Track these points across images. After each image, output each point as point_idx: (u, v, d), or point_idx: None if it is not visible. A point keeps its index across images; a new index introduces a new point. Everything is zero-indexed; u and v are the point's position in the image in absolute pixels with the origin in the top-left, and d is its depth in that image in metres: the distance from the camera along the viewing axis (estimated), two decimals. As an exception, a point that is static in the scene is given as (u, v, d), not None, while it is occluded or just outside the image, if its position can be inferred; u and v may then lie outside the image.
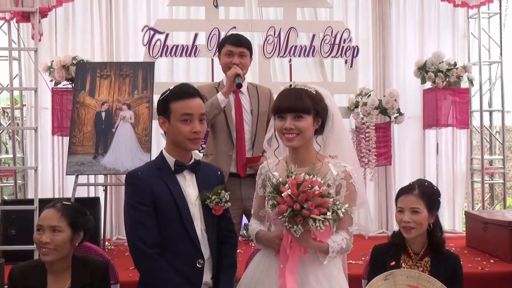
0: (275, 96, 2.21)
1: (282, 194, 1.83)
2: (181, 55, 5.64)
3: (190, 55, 5.63)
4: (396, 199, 2.54)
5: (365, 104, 5.72)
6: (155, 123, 4.78)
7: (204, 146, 4.95)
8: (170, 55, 5.65)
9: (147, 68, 4.97)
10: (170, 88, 2.17)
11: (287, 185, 1.84)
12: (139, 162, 4.28)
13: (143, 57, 5.58)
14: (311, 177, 1.85)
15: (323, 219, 1.80)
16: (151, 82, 4.90)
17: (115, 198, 5.93)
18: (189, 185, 2.16)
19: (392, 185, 6.00)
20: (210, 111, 3.03)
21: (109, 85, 4.91)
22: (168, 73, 6.09)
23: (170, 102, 2.13)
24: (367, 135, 5.68)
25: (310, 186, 1.82)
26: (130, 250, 2.11)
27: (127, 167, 4.56)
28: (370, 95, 5.79)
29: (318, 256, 2.03)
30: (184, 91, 2.15)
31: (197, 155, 4.91)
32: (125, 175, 2.18)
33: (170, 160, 2.17)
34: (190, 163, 2.18)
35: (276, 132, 2.15)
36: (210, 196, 2.17)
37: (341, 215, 1.84)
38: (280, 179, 1.87)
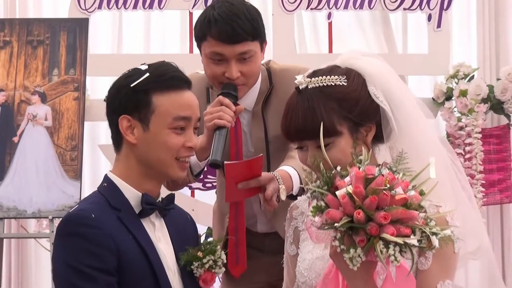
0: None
1: (337, 192, 1.77)
2: (135, 7, 5.11)
3: (151, 6, 5.13)
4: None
5: (464, 93, 5.22)
6: (90, 126, 4.86)
7: (209, 181, 4.91)
8: (116, 7, 5.11)
9: (76, 30, 4.71)
10: (142, 67, 2.18)
11: (348, 177, 1.80)
12: (62, 197, 4.32)
13: (68, 11, 5.09)
14: (392, 171, 1.81)
15: (403, 244, 1.72)
16: (82, 55, 4.63)
17: (15, 259, 5.23)
18: (160, 239, 2.17)
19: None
20: None
21: (8, 60, 4.63)
22: (113, 39, 5.54)
23: (152, 93, 2.13)
24: (467, 148, 5.25)
25: (388, 185, 1.76)
26: None
27: (39, 206, 4.34)
28: (473, 77, 5.34)
29: None
30: (176, 76, 2.17)
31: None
32: (43, 219, 2.51)
33: (132, 194, 2.15)
34: (159, 200, 2.20)
35: None
36: (201, 256, 2.17)
37: (436, 244, 1.76)
38: (338, 168, 1.85)
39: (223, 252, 2.24)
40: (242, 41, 2.81)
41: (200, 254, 2.18)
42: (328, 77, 2.05)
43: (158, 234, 2.18)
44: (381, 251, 1.72)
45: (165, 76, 2.15)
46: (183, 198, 4.66)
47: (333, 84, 2.04)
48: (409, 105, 2.15)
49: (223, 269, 2.25)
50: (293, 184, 2.66)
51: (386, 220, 1.72)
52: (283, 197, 2.56)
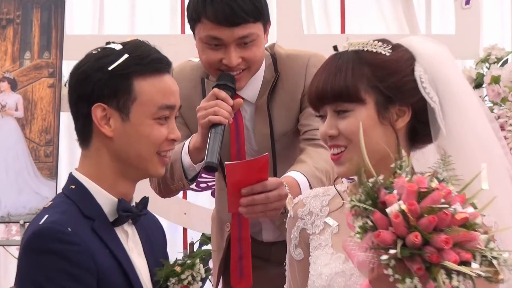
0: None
1: (388, 210, 1.64)
2: (117, -20, 5.33)
3: (135, -21, 5.46)
4: None
5: (496, 80, 4.94)
6: (67, 118, 4.69)
7: (203, 180, 4.91)
8: (96, -19, 5.38)
9: (51, 8, 4.69)
10: (116, 46, 2.13)
11: (395, 191, 1.68)
12: (35, 200, 4.32)
13: (43, -14, 5.09)
14: (439, 181, 1.71)
15: (470, 273, 1.63)
16: (58, 36, 4.61)
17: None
18: (132, 249, 2.16)
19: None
20: (170, 176, 2.95)
21: (-27, 42, 4.75)
22: (93, 18, 5.48)
23: (134, 78, 2.09)
24: (501, 142, 4.48)
25: (444, 201, 1.67)
26: None
27: (9, 210, 4.36)
28: (506, 61, 5.09)
29: None
30: (158, 58, 2.14)
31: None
32: (12, 224, 2.76)
33: (106, 199, 2.12)
34: (134, 204, 2.23)
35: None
36: (179, 271, 2.27)
37: (503, 277, 1.69)
38: (381, 178, 1.72)
39: (202, 265, 2.31)
40: (242, 23, 2.75)
41: (178, 268, 2.20)
42: (372, 41, 2.00)
43: (131, 244, 2.15)
44: (444, 282, 1.62)
45: (147, 59, 2.09)
46: (173, 200, 4.42)
47: (374, 50, 1.99)
48: (466, 101, 2.04)
49: (201, 283, 2.31)
50: (301, 193, 2.62)
51: (447, 245, 1.63)
52: (289, 207, 2.49)
